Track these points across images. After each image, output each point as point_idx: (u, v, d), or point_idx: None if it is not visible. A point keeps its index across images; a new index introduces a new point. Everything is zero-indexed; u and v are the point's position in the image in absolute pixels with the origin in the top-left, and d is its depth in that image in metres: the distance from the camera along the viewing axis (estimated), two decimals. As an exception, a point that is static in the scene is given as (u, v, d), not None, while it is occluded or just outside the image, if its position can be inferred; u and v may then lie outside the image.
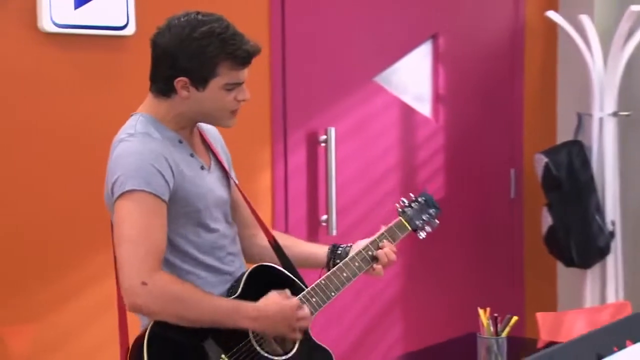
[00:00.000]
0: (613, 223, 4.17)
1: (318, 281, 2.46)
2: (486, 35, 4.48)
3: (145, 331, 2.24)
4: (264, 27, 3.69)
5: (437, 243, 4.42)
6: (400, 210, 2.64)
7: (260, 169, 3.72)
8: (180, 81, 2.31)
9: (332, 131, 3.84)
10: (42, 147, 3.10)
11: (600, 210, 4.16)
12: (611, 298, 4.19)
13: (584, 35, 4.17)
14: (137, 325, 2.37)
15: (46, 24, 3.05)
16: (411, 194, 2.69)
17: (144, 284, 2.17)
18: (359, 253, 2.52)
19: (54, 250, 3.12)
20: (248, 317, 2.28)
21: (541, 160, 4.21)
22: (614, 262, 4.21)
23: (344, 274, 2.48)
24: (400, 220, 2.62)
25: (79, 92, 3.13)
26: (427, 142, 4.32)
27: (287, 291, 2.40)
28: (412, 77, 4.23)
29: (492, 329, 2.65)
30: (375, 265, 2.54)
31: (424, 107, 4.29)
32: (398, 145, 4.21)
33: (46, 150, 3.10)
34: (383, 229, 2.60)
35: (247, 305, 2.30)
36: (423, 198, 2.67)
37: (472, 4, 4.42)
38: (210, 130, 2.52)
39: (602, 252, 4.16)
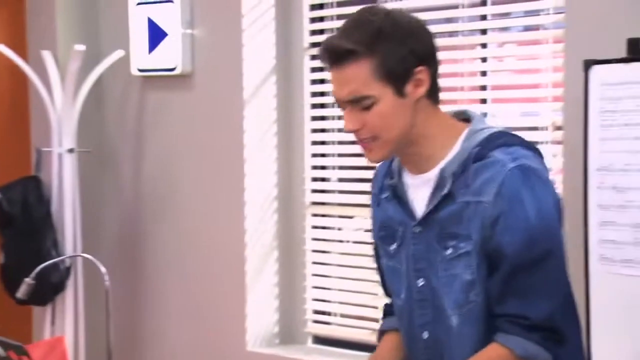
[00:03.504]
0: (70, 259, 4.17)
1: None
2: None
3: None
4: None
5: None
6: None
7: None
8: None
9: None
10: None
11: (57, 246, 4.15)
12: (69, 333, 4.18)
13: (46, 72, 4.17)
14: None
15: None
16: None
17: None
18: None
19: None
20: None
21: (-6, 197, 4.13)
22: (72, 298, 4.21)
23: None
24: None
25: None
26: None
27: None
28: None
29: None
30: None
31: None
32: None
33: None
34: None
35: None
36: None
37: None
38: None
39: (57, 289, 4.15)
